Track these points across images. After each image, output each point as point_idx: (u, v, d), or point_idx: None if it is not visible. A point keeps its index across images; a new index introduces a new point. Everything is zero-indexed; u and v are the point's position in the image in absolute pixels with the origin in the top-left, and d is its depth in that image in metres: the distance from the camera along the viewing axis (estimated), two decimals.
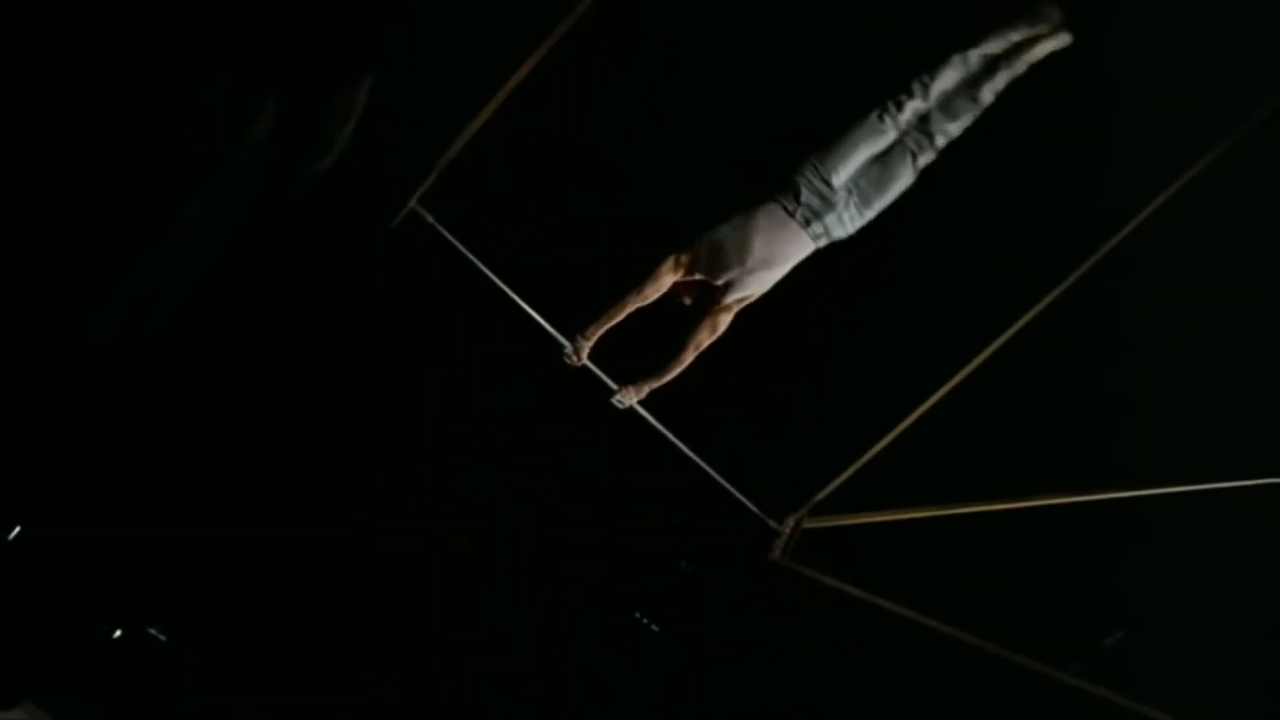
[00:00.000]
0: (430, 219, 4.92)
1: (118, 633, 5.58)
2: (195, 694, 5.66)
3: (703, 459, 5.36)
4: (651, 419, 5.19)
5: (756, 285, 4.46)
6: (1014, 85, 4.59)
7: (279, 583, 5.84)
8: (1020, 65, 4.22)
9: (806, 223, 4.29)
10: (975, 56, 4.16)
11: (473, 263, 4.95)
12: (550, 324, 5.04)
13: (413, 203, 4.91)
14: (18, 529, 5.25)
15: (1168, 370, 5.86)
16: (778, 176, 4.32)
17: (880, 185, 4.23)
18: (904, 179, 4.22)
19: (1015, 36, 4.16)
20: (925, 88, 4.18)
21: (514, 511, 6.23)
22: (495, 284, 4.98)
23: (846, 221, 4.27)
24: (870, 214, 4.27)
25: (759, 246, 4.32)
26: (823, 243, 4.36)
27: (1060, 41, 4.21)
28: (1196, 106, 5.12)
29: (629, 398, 5.02)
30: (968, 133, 5.25)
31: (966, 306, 5.70)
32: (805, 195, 4.27)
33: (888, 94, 4.18)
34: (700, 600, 6.47)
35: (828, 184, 4.22)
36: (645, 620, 6.47)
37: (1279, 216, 5.50)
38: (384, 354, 5.92)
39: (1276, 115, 4.83)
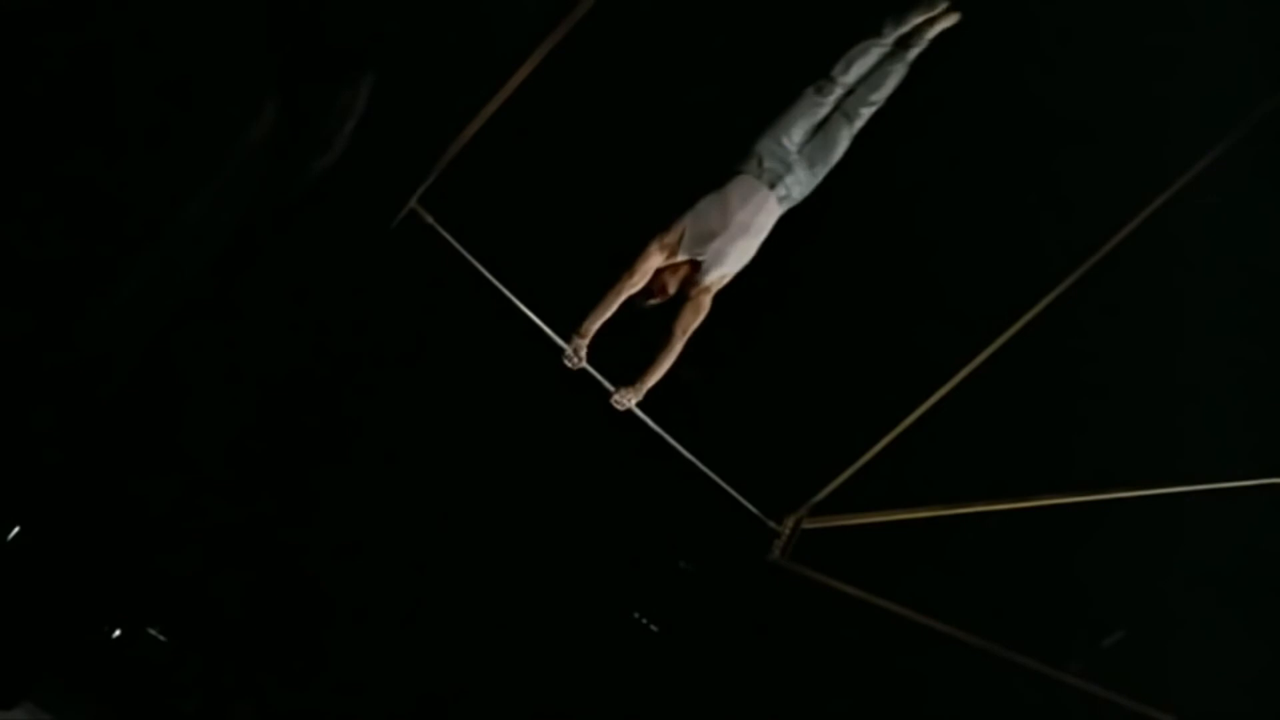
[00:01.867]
0: (430, 219, 4.92)
1: (118, 633, 5.59)
2: (195, 694, 5.67)
3: (702, 459, 5.35)
4: (650, 421, 5.18)
5: (736, 257, 4.88)
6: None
7: (279, 582, 5.84)
8: (923, 42, 4.91)
9: (772, 185, 4.85)
10: (885, 39, 4.87)
11: (472, 264, 4.95)
12: (549, 325, 5.03)
13: (412, 203, 4.90)
14: (18, 529, 5.25)
15: (1168, 370, 5.86)
16: (736, 153, 4.95)
17: (824, 149, 4.88)
18: (842, 143, 4.90)
19: (914, 19, 4.87)
20: (847, 67, 4.88)
21: (513, 511, 6.23)
22: (494, 285, 4.98)
23: (804, 182, 4.88)
24: (819, 177, 4.91)
25: (737, 213, 4.82)
26: (786, 206, 4.91)
27: (951, 20, 4.89)
28: (1196, 106, 5.13)
29: (628, 399, 5.03)
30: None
31: (966, 306, 5.71)
32: (767, 161, 4.86)
33: (818, 74, 4.92)
34: (700, 600, 6.47)
35: (784, 149, 4.87)
36: (645, 620, 6.47)
37: (1278, 216, 5.50)
38: (384, 353, 5.93)
39: (1277, 115, 4.83)
